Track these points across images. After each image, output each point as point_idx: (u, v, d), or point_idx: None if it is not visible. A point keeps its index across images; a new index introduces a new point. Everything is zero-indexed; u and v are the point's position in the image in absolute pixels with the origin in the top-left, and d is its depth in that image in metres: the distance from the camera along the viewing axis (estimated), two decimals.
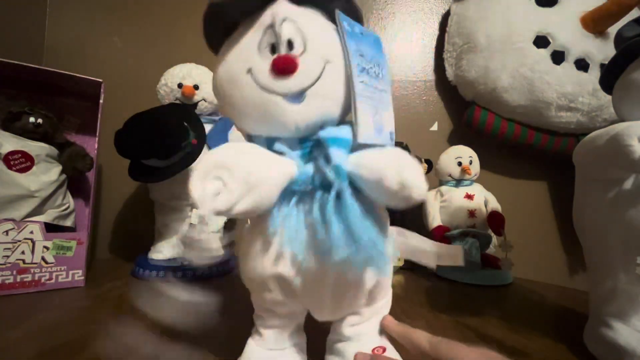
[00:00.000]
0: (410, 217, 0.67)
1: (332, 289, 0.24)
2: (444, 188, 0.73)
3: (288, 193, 0.23)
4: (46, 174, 0.52)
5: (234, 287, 0.54)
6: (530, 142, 0.79)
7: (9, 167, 0.49)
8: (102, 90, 0.56)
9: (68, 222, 0.56)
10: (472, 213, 0.68)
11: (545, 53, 0.73)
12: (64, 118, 0.64)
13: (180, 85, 0.61)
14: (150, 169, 0.54)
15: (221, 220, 0.69)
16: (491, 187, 0.73)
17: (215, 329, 0.36)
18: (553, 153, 0.80)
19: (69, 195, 0.58)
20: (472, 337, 0.38)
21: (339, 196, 0.22)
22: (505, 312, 0.48)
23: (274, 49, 0.23)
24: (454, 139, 0.87)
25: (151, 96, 0.63)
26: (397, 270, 0.69)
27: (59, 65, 0.56)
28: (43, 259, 0.49)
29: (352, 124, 0.23)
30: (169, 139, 0.53)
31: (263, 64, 0.22)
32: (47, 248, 0.49)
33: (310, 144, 0.24)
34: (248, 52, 0.23)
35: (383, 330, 0.29)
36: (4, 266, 0.46)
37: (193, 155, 0.54)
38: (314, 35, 0.23)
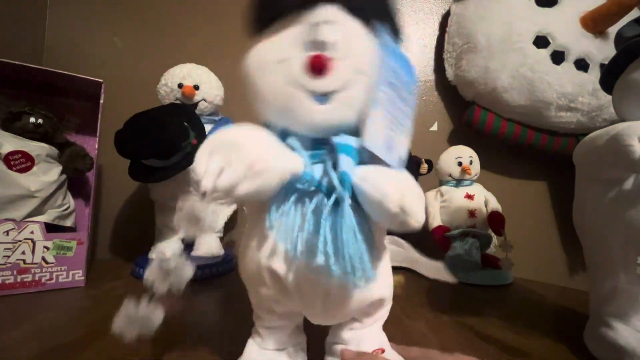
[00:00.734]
0: None
1: (322, 296, 0.24)
2: (444, 188, 0.73)
3: (289, 190, 0.23)
4: (46, 174, 0.52)
5: (234, 288, 0.54)
6: (530, 142, 0.79)
7: (9, 167, 0.49)
8: (102, 90, 0.56)
9: (68, 222, 0.56)
10: (472, 213, 0.68)
11: (545, 53, 0.73)
12: (64, 118, 0.64)
13: (180, 85, 0.61)
14: (150, 169, 0.54)
15: (221, 221, 0.69)
16: (491, 187, 0.73)
17: (215, 330, 0.36)
18: (553, 153, 0.80)
19: (69, 195, 0.58)
20: (472, 337, 0.38)
21: (337, 203, 0.22)
22: (505, 312, 0.48)
23: (312, 47, 0.23)
24: (454, 139, 0.87)
25: (151, 96, 0.63)
26: (397, 271, 0.69)
27: (59, 65, 0.56)
28: (43, 259, 0.49)
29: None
30: (169, 139, 0.53)
31: (298, 58, 0.23)
32: (47, 248, 0.49)
33: (323, 149, 0.24)
34: (287, 44, 0.23)
35: (383, 331, 0.29)
36: (4, 266, 0.46)
37: (193, 155, 0.54)
38: (353, 44, 0.23)
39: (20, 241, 0.47)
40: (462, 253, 0.63)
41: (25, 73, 0.53)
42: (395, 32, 0.25)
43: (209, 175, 0.20)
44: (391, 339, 0.29)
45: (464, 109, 0.83)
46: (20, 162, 0.50)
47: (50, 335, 0.34)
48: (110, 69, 0.78)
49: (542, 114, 0.75)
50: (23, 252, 0.47)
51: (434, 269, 0.28)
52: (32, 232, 0.48)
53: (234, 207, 0.70)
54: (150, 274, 0.25)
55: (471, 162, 0.71)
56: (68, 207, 0.56)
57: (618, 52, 0.36)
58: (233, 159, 0.20)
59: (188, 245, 0.65)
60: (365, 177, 0.22)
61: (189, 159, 0.54)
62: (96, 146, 0.57)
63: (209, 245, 0.66)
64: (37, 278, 0.48)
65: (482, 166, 0.74)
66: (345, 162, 0.22)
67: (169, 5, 0.84)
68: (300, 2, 0.23)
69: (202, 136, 0.55)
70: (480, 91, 0.78)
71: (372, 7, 0.24)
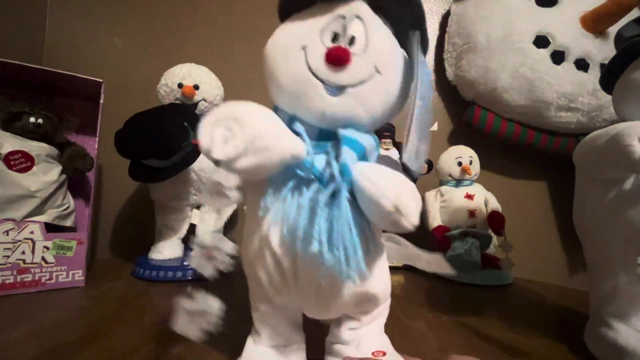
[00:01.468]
0: None
1: (315, 285, 0.24)
2: (444, 188, 0.73)
3: (288, 175, 0.23)
4: (46, 174, 0.52)
5: (234, 287, 0.54)
6: (530, 142, 0.79)
7: (9, 167, 0.49)
8: (102, 90, 0.56)
9: (68, 222, 0.56)
10: (472, 213, 0.68)
11: (545, 53, 0.73)
12: (64, 118, 0.64)
13: (180, 85, 0.61)
14: (150, 169, 0.54)
15: (221, 221, 0.69)
16: (491, 187, 0.73)
17: (215, 329, 0.36)
18: (553, 153, 0.80)
19: (69, 195, 0.58)
20: (472, 337, 0.38)
21: (335, 195, 0.22)
22: (505, 312, 0.48)
23: (335, 38, 0.23)
24: (454, 139, 0.87)
25: (151, 96, 0.63)
26: (397, 271, 0.69)
27: (59, 65, 0.56)
28: (43, 259, 0.49)
29: (377, 140, 0.25)
30: (169, 139, 0.53)
31: (320, 47, 0.23)
32: (47, 248, 0.49)
33: (328, 140, 0.24)
34: (310, 31, 0.23)
35: (385, 334, 0.29)
36: (4, 266, 0.46)
37: (193, 155, 0.54)
38: (376, 42, 0.23)
39: (20, 241, 0.47)
40: (462, 253, 0.63)
41: (25, 73, 0.53)
42: (424, 43, 0.25)
43: (215, 144, 0.20)
44: (391, 338, 0.29)
45: (464, 109, 0.83)
46: (20, 162, 0.50)
47: (50, 335, 0.34)
48: (110, 69, 0.78)
49: (542, 114, 0.75)
50: (23, 252, 0.47)
51: (433, 262, 0.28)
52: (32, 232, 0.48)
53: (234, 207, 0.70)
54: (195, 263, 0.26)
55: (471, 162, 0.71)
56: (68, 207, 0.56)
57: (618, 52, 0.36)
58: (236, 132, 0.21)
59: (188, 246, 0.65)
60: (364, 173, 0.22)
61: (189, 159, 0.55)
62: (96, 146, 0.57)
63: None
64: (37, 278, 0.48)
65: (482, 166, 0.74)
66: (348, 155, 0.23)
67: (169, 5, 0.84)
68: None
69: None
70: (480, 91, 0.78)
71: (407, 15, 0.24)
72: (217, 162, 0.21)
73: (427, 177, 0.77)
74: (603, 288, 0.34)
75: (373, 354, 0.27)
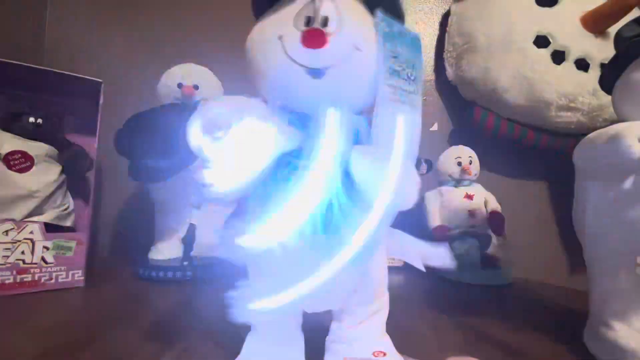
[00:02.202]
0: (409, 217, 0.67)
1: (311, 269, 0.24)
2: (444, 188, 0.73)
3: (281, 163, 0.23)
4: (46, 174, 0.52)
5: (234, 287, 0.54)
6: (531, 142, 0.79)
7: (9, 167, 0.49)
8: (102, 90, 0.56)
9: (68, 222, 0.56)
10: (472, 213, 0.68)
11: (545, 53, 0.73)
12: (64, 118, 0.64)
13: (180, 85, 0.61)
14: (150, 169, 0.54)
15: (221, 220, 0.69)
16: (491, 187, 0.73)
17: (216, 328, 0.36)
18: (553, 153, 0.80)
19: (69, 195, 0.58)
20: (472, 337, 0.38)
21: (330, 179, 0.22)
22: (505, 312, 0.48)
23: (308, 22, 0.23)
24: (454, 139, 0.87)
25: (151, 96, 0.63)
26: (397, 270, 0.69)
27: (59, 65, 0.56)
28: (43, 259, 0.49)
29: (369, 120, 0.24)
30: (169, 139, 0.53)
31: (295, 33, 0.23)
32: (47, 248, 0.49)
33: (319, 126, 0.24)
34: (284, 20, 0.24)
35: (387, 334, 0.29)
36: (3, 266, 0.46)
37: (193, 155, 0.54)
38: (350, 20, 0.24)
39: (19, 241, 0.47)
40: (462, 253, 0.63)
41: (25, 73, 0.53)
42: (395, 11, 0.25)
43: (205, 141, 0.21)
44: (391, 338, 0.29)
45: (464, 109, 0.83)
46: (20, 162, 0.50)
47: (50, 335, 0.34)
48: (110, 69, 0.78)
49: (542, 114, 0.75)
50: (22, 252, 0.47)
51: (434, 255, 0.28)
52: (31, 232, 0.48)
53: (233, 207, 0.70)
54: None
55: (471, 162, 0.71)
56: (68, 207, 0.56)
57: (618, 52, 0.36)
58: (224, 127, 0.21)
59: (188, 246, 0.65)
60: (357, 156, 0.23)
61: (189, 158, 0.55)
62: (96, 146, 0.57)
63: (209, 245, 0.66)
64: (36, 278, 0.48)
65: (482, 166, 0.74)
66: (339, 138, 0.23)
67: (169, 5, 0.84)
68: None
69: None
70: (481, 91, 0.78)
71: None
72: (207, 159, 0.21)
73: (427, 177, 0.77)
74: (603, 288, 0.34)
75: (374, 354, 0.27)
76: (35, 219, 0.50)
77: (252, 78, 0.26)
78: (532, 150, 0.82)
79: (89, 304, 0.46)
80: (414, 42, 0.26)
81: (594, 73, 0.72)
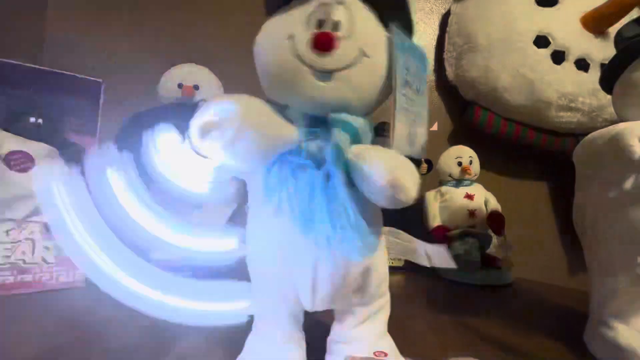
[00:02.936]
0: (409, 217, 0.67)
1: (312, 267, 0.24)
2: (444, 188, 0.73)
3: (282, 162, 0.23)
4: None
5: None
6: (530, 142, 0.79)
7: (10, 167, 0.49)
8: (102, 90, 0.56)
9: None
10: (472, 213, 0.68)
11: (545, 53, 0.73)
12: (64, 118, 0.64)
13: (180, 86, 0.61)
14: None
15: (221, 220, 0.69)
16: (491, 187, 0.73)
17: (216, 328, 0.36)
18: (553, 153, 0.80)
19: None
20: (472, 337, 0.38)
21: (330, 178, 0.22)
22: (505, 312, 0.48)
23: (320, 25, 0.24)
24: (454, 139, 0.87)
25: (151, 96, 0.63)
26: (397, 270, 0.69)
27: (59, 65, 0.56)
28: (44, 259, 0.49)
29: (371, 123, 0.25)
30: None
31: (305, 34, 0.23)
32: (47, 248, 0.49)
33: (322, 127, 0.24)
34: (295, 20, 0.24)
35: (389, 335, 0.29)
36: (4, 266, 0.46)
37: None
38: (361, 27, 0.24)
39: (20, 241, 0.47)
40: (462, 253, 0.63)
41: (25, 73, 0.53)
42: (406, 26, 0.26)
43: (207, 137, 0.21)
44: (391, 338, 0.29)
45: (464, 109, 0.83)
46: (21, 162, 0.50)
47: (50, 335, 0.34)
48: (110, 69, 0.78)
49: (542, 114, 0.75)
50: (23, 252, 0.47)
51: (434, 255, 0.28)
52: (32, 232, 0.48)
53: (234, 206, 0.70)
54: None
55: (471, 162, 0.72)
56: None
57: (618, 52, 0.36)
58: (226, 123, 0.21)
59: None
60: (359, 154, 0.23)
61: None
62: (96, 146, 0.57)
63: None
64: (37, 278, 0.48)
65: (482, 166, 0.74)
66: (340, 138, 0.23)
67: (170, 5, 0.84)
68: None
69: None
70: (481, 91, 0.78)
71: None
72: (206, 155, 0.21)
73: (427, 177, 0.77)
74: (603, 288, 0.34)
75: (375, 354, 0.27)
76: (36, 219, 0.50)
77: (259, 74, 0.26)
78: (532, 150, 0.82)
79: (89, 304, 0.46)
80: (422, 58, 0.26)
81: (594, 73, 0.72)
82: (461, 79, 0.82)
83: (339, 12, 0.24)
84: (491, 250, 0.70)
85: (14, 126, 0.51)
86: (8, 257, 0.46)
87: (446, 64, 0.85)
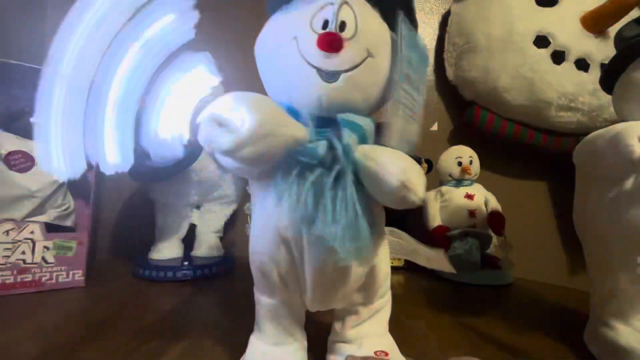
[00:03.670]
0: (410, 217, 0.67)
1: (322, 268, 0.24)
2: (444, 188, 0.73)
3: (292, 162, 0.23)
4: (46, 174, 0.52)
5: (235, 287, 0.54)
6: (530, 142, 0.79)
7: (10, 167, 0.49)
8: None
9: (68, 222, 0.56)
10: (472, 213, 0.68)
11: (545, 53, 0.73)
12: None
13: None
14: (150, 169, 0.54)
15: (221, 220, 0.69)
16: (491, 187, 0.73)
17: (217, 328, 0.36)
18: (553, 153, 0.80)
19: (69, 195, 0.58)
20: (472, 337, 0.38)
21: (339, 178, 0.22)
22: (505, 312, 0.48)
23: (325, 25, 0.23)
24: (454, 139, 0.87)
25: None
26: (397, 270, 0.69)
27: None
28: (43, 259, 0.49)
29: (375, 120, 0.25)
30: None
31: (311, 35, 0.23)
32: (47, 248, 0.49)
33: (329, 127, 0.24)
34: (301, 21, 0.24)
35: (389, 334, 0.29)
36: (4, 266, 0.46)
37: (193, 155, 0.54)
38: (367, 27, 0.24)
39: (20, 241, 0.47)
40: (462, 253, 0.63)
41: (25, 73, 0.53)
42: (410, 20, 0.26)
43: (218, 135, 0.21)
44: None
45: (464, 109, 0.83)
46: (21, 162, 0.50)
47: (50, 335, 0.34)
48: None
49: (542, 114, 0.75)
50: (23, 252, 0.47)
51: (434, 259, 0.29)
52: (32, 232, 0.48)
53: (233, 207, 0.70)
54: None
55: (471, 162, 0.71)
56: (68, 207, 0.56)
57: (618, 52, 0.36)
58: (237, 121, 0.20)
59: (188, 246, 0.65)
60: (367, 155, 0.23)
61: (190, 158, 0.55)
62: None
63: (209, 244, 0.66)
64: (37, 278, 0.48)
65: (482, 166, 0.74)
66: (349, 138, 0.23)
67: None
68: None
69: None
70: (481, 91, 0.78)
71: None
72: (215, 155, 0.21)
73: (427, 177, 0.76)
74: (603, 288, 0.34)
75: (376, 353, 0.27)
76: (35, 219, 0.50)
77: (262, 76, 0.26)
78: (532, 150, 0.82)
79: (89, 304, 0.46)
80: (424, 58, 0.26)
81: (594, 73, 0.72)
82: (461, 79, 0.82)
83: (345, 12, 0.23)
84: (491, 250, 0.70)
85: (14, 126, 0.51)
86: (8, 257, 0.46)
87: (446, 64, 0.84)
